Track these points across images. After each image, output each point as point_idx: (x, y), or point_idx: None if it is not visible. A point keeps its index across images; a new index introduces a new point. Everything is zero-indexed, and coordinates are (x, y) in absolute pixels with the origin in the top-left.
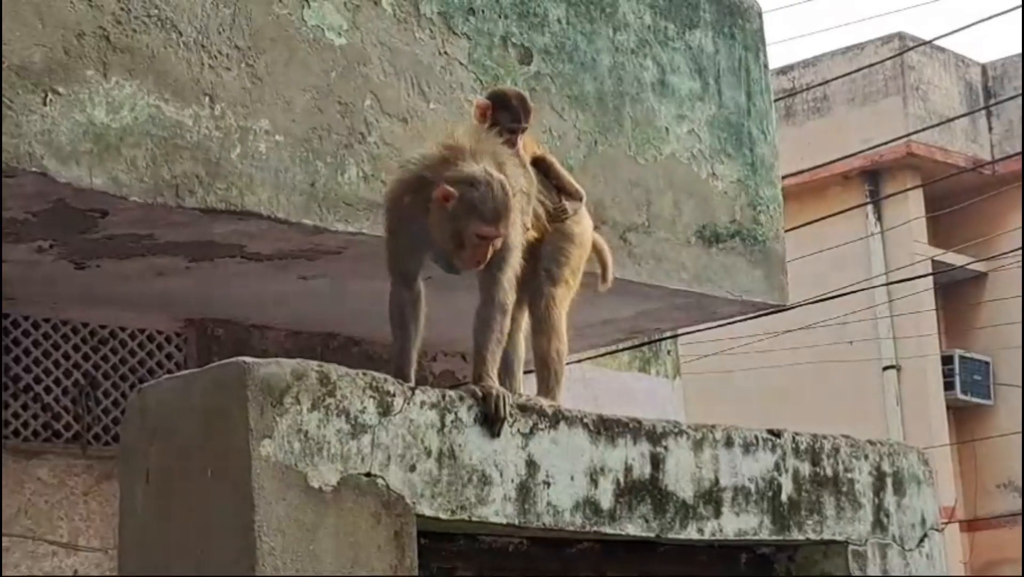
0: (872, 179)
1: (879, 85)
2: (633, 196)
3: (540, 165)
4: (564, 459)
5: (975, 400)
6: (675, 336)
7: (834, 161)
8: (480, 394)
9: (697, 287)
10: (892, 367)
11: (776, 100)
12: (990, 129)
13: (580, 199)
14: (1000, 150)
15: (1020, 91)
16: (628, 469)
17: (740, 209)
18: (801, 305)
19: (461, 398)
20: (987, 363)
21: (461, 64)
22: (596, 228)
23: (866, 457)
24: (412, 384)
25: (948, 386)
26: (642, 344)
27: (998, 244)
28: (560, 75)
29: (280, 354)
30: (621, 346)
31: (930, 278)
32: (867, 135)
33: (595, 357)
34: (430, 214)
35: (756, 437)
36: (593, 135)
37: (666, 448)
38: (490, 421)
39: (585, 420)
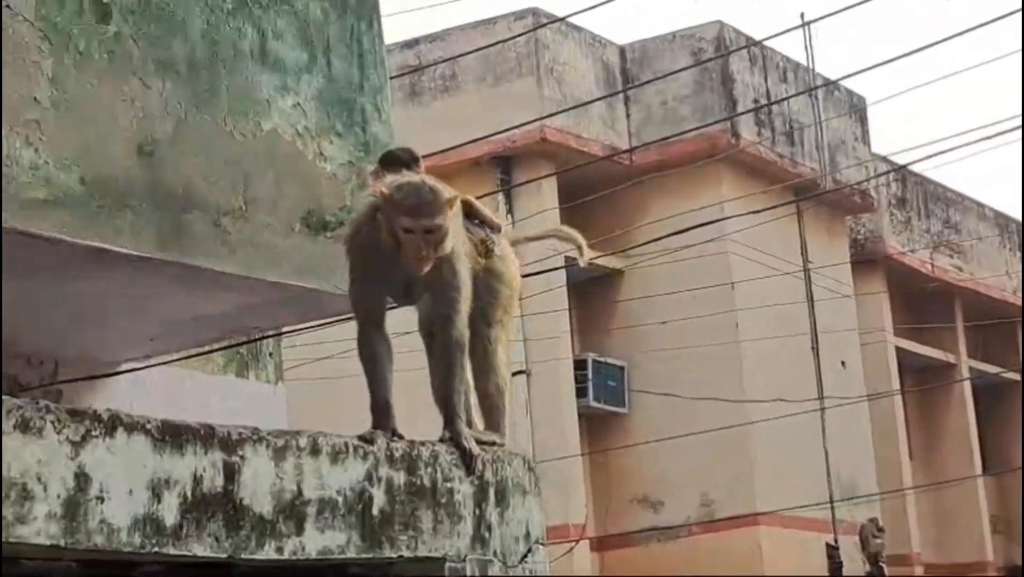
0: (504, 166)
1: (512, 64)
2: (229, 176)
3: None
4: (122, 470)
5: (609, 408)
6: (279, 335)
7: (462, 145)
8: (464, 446)
9: (302, 280)
10: (522, 372)
11: (399, 76)
12: (628, 116)
13: (499, 231)
14: (638, 138)
15: (659, 75)
16: (197, 481)
17: (351, 194)
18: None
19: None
20: (622, 368)
21: (27, 20)
22: (188, 212)
23: None
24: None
25: (581, 392)
26: (239, 344)
27: (635, 238)
28: (144, 37)
29: None
30: (215, 346)
31: (564, 276)
32: (499, 118)
33: (184, 359)
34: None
35: (346, 444)
36: (183, 106)
37: (243, 457)
38: (468, 465)
39: (148, 426)
